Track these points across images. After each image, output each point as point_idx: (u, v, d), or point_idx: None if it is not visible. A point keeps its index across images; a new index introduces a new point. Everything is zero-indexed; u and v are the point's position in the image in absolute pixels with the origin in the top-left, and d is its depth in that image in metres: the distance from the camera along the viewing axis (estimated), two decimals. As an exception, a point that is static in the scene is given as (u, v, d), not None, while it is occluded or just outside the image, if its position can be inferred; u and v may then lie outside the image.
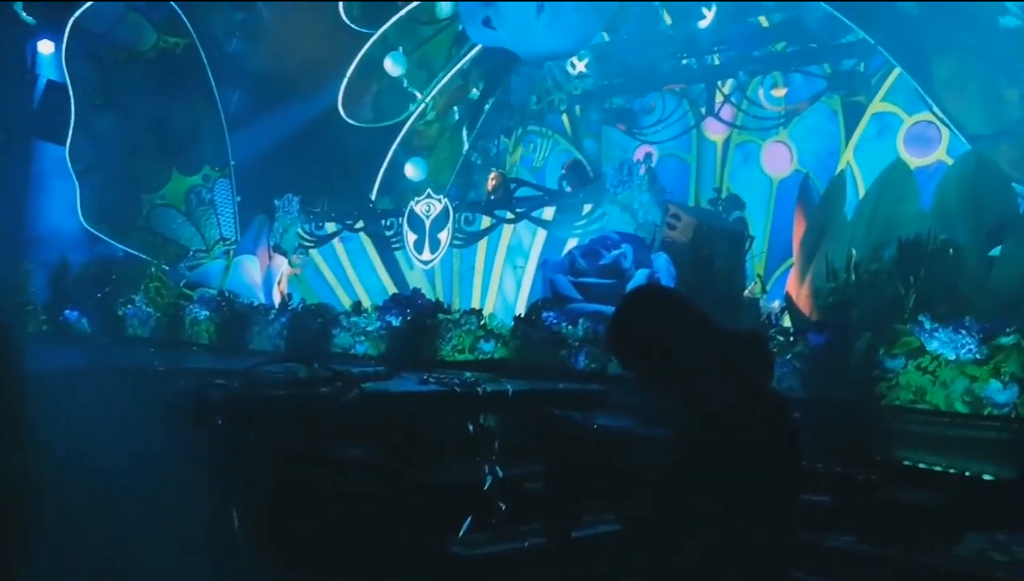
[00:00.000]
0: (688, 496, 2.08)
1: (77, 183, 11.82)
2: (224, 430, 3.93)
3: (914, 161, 8.91)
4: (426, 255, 9.21)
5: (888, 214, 6.81)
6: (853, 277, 6.29)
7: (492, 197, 9.93)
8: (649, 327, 2.25)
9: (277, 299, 10.25)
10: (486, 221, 8.93)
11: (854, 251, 6.49)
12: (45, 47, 12.41)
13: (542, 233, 8.49)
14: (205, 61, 12.41)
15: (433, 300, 8.40)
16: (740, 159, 11.45)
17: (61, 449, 3.23)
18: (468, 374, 5.62)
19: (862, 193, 8.49)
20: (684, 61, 11.41)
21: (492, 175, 10.96)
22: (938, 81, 7.98)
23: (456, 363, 7.28)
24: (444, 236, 9.08)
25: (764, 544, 2.10)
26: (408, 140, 12.55)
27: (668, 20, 11.34)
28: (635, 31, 11.51)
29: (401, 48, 11.87)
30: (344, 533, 3.86)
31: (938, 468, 4.40)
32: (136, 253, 11.81)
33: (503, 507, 4.21)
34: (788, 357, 5.63)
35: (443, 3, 11.87)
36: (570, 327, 6.89)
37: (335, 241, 10.16)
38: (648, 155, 11.23)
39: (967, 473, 4.29)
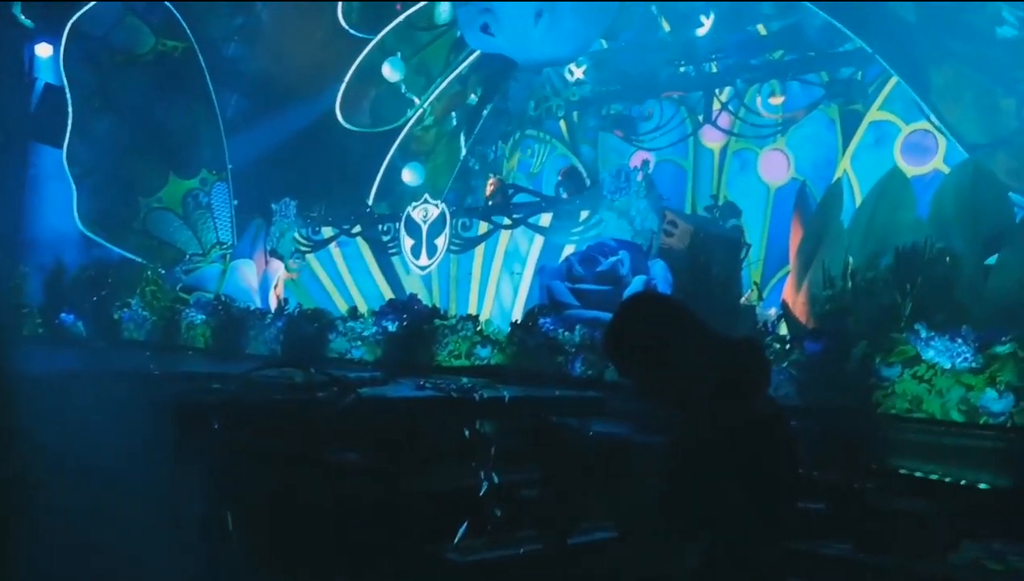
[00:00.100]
0: (684, 503, 2.07)
1: (74, 186, 11.78)
2: (220, 434, 3.93)
3: (911, 169, 8.92)
4: (423, 260, 9.20)
5: (885, 222, 6.83)
6: (849, 285, 6.29)
7: (490, 203, 9.93)
8: (646, 334, 2.25)
9: (273, 303, 10.24)
10: (483, 227, 8.92)
11: (851, 259, 6.51)
12: (43, 50, 12.40)
13: (539, 239, 8.49)
14: (203, 65, 12.40)
15: (430, 305, 8.40)
16: (737, 167, 11.46)
17: (56, 452, 3.23)
18: (464, 380, 5.62)
19: (859, 201, 8.50)
20: (682, 68, 11.45)
21: (491, 181, 10.98)
22: (935, 90, 8.01)
23: (452, 369, 7.27)
24: (441, 241, 9.07)
25: (760, 551, 2.10)
26: (406, 145, 12.56)
27: (666, 28, 11.38)
28: (633, 38, 11.55)
29: (399, 54, 11.89)
30: (339, 538, 3.85)
31: (934, 476, 4.41)
32: (132, 257, 11.77)
33: (499, 513, 4.21)
34: (784, 365, 5.63)
35: (442, 9, 11.89)
36: (567, 333, 6.89)
37: (332, 246, 10.15)
38: (645, 162, 11.24)
39: (963, 482, 4.31)
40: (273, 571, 3.77)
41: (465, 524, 4.14)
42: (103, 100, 12.13)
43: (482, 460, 4.52)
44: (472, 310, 8.57)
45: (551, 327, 7.01)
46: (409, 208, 9.44)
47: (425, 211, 9.23)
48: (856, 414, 5.39)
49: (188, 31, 12.34)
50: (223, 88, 12.90)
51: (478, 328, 7.56)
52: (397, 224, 9.46)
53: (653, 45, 11.40)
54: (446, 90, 12.35)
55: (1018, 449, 4.77)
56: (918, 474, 4.45)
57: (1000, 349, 5.00)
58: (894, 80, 9.32)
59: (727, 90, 11.25)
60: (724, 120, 11.36)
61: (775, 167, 11.08)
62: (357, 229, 9.97)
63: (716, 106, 11.28)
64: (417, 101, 12.27)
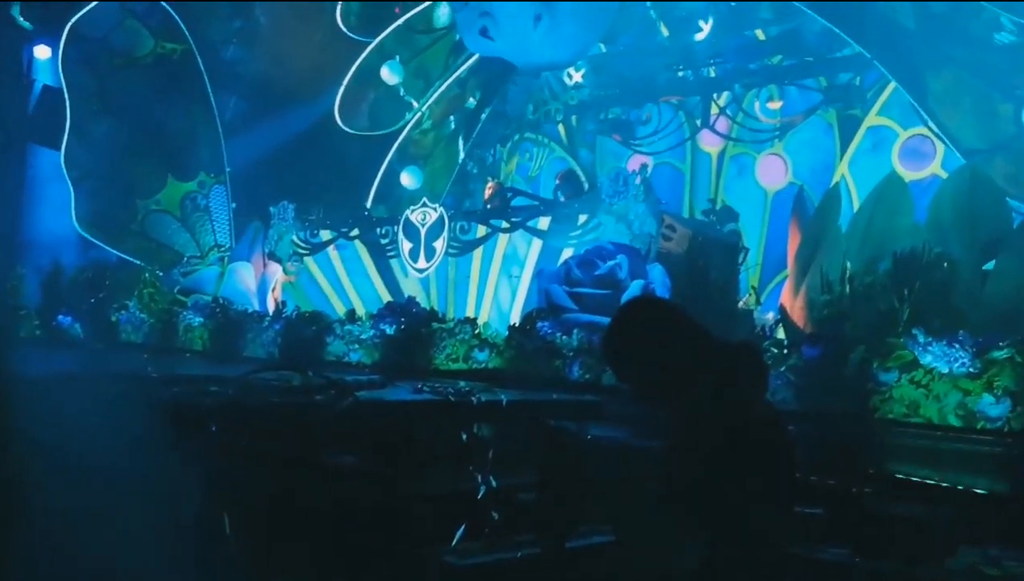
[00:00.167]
0: (682, 507, 2.07)
1: (72, 188, 11.77)
2: (217, 437, 3.92)
3: (909, 175, 8.93)
4: (421, 263, 9.20)
5: (883, 227, 6.84)
6: (847, 290, 6.30)
7: (489, 206, 9.93)
8: (644, 338, 2.25)
9: (271, 306, 10.23)
10: (482, 230, 8.93)
11: (848, 264, 6.51)
12: (42, 52, 12.41)
13: (538, 243, 8.50)
14: (202, 67, 12.37)
15: (428, 309, 8.40)
16: (735, 171, 11.48)
17: (54, 454, 3.22)
18: (462, 383, 5.62)
19: (857, 206, 8.50)
20: (680, 73, 11.46)
21: (489, 184, 10.98)
22: (933, 95, 8.02)
23: (450, 372, 7.27)
24: (439, 245, 9.07)
25: (758, 556, 2.10)
26: (404, 148, 12.56)
27: (665, 32, 11.40)
28: (632, 43, 11.57)
29: (398, 57, 11.89)
30: (337, 541, 3.85)
31: (931, 481, 4.41)
32: (130, 259, 11.75)
33: (496, 517, 4.20)
34: (782, 369, 5.63)
35: (441, 13, 11.90)
36: (565, 337, 6.90)
37: (330, 249, 10.16)
38: (643, 166, 11.25)
39: (960, 487, 4.30)
40: (270, 574, 3.76)
41: (463, 527, 4.13)
42: (102, 102, 12.11)
43: (480, 463, 4.51)
44: (470, 313, 8.57)
45: (549, 331, 7.01)
46: (407, 211, 9.44)
47: (424, 214, 9.24)
48: (854, 419, 5.39)
49: (187, 34, 12.32)
50: (222, 91, 12.88)
51: (476, 331, 7.55)
52: (395, 227, 9.47)
53: (652, 49, 11.41)
54: (445, 93, 12.35)
55: (1015, 454, 4.77)
56: (915, 479, 4.45)
57: (997, 354, 5.00)
58: (892, 85, 9.34)
59: (725, 95, 11.27)
60: (722, 124, 11.38)
61: (773, 172, 11.09)
62: (355, 232, 9.97)
63: (714, 110, 11.31)
64: (416, 104, 12.27)
